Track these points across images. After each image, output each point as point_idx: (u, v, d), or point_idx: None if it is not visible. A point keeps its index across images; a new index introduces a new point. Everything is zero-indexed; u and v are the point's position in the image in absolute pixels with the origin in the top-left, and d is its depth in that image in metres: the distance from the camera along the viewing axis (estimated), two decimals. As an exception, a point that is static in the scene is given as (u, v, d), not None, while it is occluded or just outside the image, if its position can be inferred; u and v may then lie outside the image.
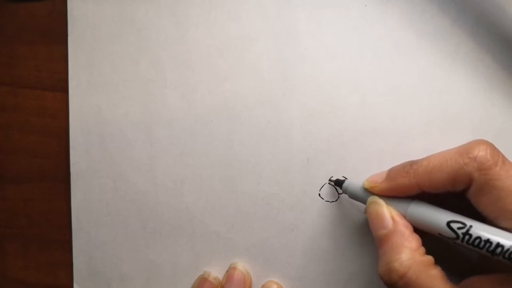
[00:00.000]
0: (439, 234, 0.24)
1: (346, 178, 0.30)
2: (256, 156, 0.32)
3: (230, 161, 0.32)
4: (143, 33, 0.32)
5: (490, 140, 0.26)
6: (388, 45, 0.30)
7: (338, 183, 0.30)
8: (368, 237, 0.31)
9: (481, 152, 0.24)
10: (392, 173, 0.26)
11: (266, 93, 0.31)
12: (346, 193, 0.29)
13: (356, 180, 0.29)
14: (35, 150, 0.34)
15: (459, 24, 0.29)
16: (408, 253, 0.24)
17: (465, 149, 0.24)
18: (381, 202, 0.26)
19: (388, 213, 0.26)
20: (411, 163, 0.26)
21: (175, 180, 0.33)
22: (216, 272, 0.33)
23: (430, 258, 0.24)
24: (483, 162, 0.23)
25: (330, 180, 0.31)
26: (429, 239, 0.25)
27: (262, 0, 0.31)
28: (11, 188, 0.35)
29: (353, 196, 0.29)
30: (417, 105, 0.30)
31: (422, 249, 0.24)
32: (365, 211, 0.27)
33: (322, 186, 0.31)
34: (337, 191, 0.31)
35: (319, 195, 0.31)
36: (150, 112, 0.32)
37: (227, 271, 0.32)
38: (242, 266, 0.32)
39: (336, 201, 0.31)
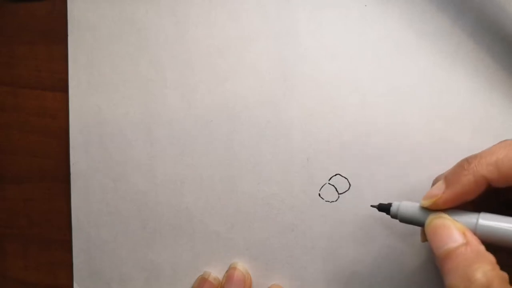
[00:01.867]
0: None
1: (390, 203, 0.27)
2: (256, 156, 0.32)
3: (230, 161, 0.32)
4: (143, 33, 0.32)
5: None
6: (388, 45, 0.30)
7: (383, 209, 0.27)
8: (369, 237, 0.31)
9: None
10: (450, 178, 0.24)
11: (266, 93, 0.31)
12: (395, 218, 0.26)
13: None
14: (35, 150, 0.34)
15: (459, 24, 0.29)
16: (490, 264, 0.21)
17: None
18: (446, 216, 0.23)
19: (456, 227, 0.23)
20: (467, 159, 0.24)
21: (175, 180, 0.33)
22: (216, 272, 0.33)
23: (506, 275, 0.21)
24: None
25: (371, 205, 0.28)
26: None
27: (262, 0, 0.31)
28: (11, 188, 0.35)
29: (408, 219, 0.25)
30: (417, 105, 0.30)
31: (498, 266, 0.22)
32: (423, 235, 0.25)
33: (322, 186, 0.31)
34: (341, 193, 0.31)
35: (319, 195, 0.31)
36: (150, 112, 0.32)
37: (227, 271, 0.32)
38: (242, 266, 0.32)
39: (336, 201, 0.31)
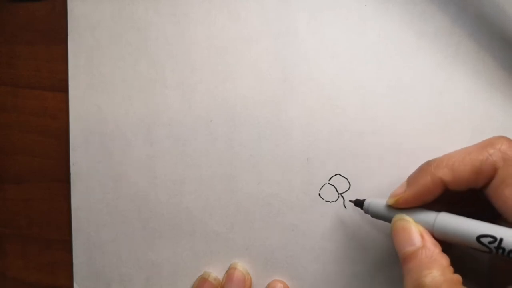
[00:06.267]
0: (471, 247, 0.23)
1: (364, 199, 0.29)
2: (256, 156, 0.32)
3: (230, 161, 0.32)
4: (143, 33, 0.32)
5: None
6: (388, 45, 0.30)
7: (358, 204, 0.29)
8: (369, 237, 0.31)
9: (504, 146, 0.24)
10: (411, 179, 0.26)
11: (266, 93, 0.31)
12: (368, 213, 0.28)
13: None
14: (35, 150, 0.34)
15: (459, 24, 0.29)
16: (439, 269, 0.23)
17: (488, 143, 0.24)
18: (408, 218, 0.25)
19: (416, 229, 0.25)
20: (428, 162, 0.26)
21: (175, 180, 0.33)
22: (216, 272, 0.33)
23: (459, 277, 0.23)
24: (508, 153, 0.23)
25: (350, 200, 0.30)
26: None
27: (262, 0, 0.31)
28: (11, 188, 0.35)
29: (377, 215, 0.27)
30: (417, 105, 0.30)
31: (451, 268, 0.23)
32: (391, 230, 0.26)
33: (322, 186, 0.31)
34: (341, 193, 0.31)
35: (319, 195, 0.31)
36: (150, 112, 0.32)
37: (227, 271, 0.32)
38: (242, 266, 0.32)
39: (336, 201, 0.31)
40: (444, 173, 0.24)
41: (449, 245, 0.25)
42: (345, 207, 0.31)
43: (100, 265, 0.34)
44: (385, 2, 0.30)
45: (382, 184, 0.30)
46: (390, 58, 0.30)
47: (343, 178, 0.31)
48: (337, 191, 0.31)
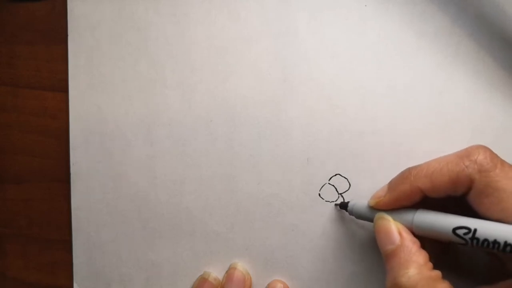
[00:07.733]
0: (449, 241, 0.24)
1: (348, 201, 0.30)
2: (256, 156, 0.32)
3: (230, 161, 0.32)
4: (143, 33, 0.32)
5: (490, 140, 0.26)
6: (388, 45, 0.30)
7: (343, 206, 0.30)
8: (368, 237, 0.31)
9: (480, 156, 0.24)
10: (392, 184, 0.27)
11: (266, 93, 0.31)
12: (352, 215, 0.29)
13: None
14: (35, 150, 0.34)
15: (459, 24, 0.29)
16: (415, 268, 0.24)
17: (465, 153, 0.25)
18: (387, 217, 0.26)
19: (395, 228, 0.26)
20: (409, 169, 0.26)
21: (175, 180, 0.33)
22: (216, 272, 0.33)
23: (437, 273, 0.24)
24: (483, 164, 0.24)
25: (335, 203, 0.31)
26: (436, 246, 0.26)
27: (262, 0, 0.31)
28: (11, 188, 0.35)
29: (360, 216, 0.29)
30: (417, 105, 0.30)
31: (430, 264, 0.24)
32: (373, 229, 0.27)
33: (322, 186, 0.31)
34: (341, 193, 0.31)
35: (319, 195, 0.31)
36: (150, 112, 0.32)
37: (227, 271, 0.32)
38: (242, 266, 0.32)
39: (336, 201, 0.31)
40: (422, 183, 0.25)
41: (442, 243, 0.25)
42: (339, 208, 0.31)
43: (100, 265, 0.34)
44: (385, 2, 0.30)
45: (382, 184, 0.30)
46: (390, 58, 0.30)
47: (343, 178, 0.31)
48: (337, 191, 0.31)
